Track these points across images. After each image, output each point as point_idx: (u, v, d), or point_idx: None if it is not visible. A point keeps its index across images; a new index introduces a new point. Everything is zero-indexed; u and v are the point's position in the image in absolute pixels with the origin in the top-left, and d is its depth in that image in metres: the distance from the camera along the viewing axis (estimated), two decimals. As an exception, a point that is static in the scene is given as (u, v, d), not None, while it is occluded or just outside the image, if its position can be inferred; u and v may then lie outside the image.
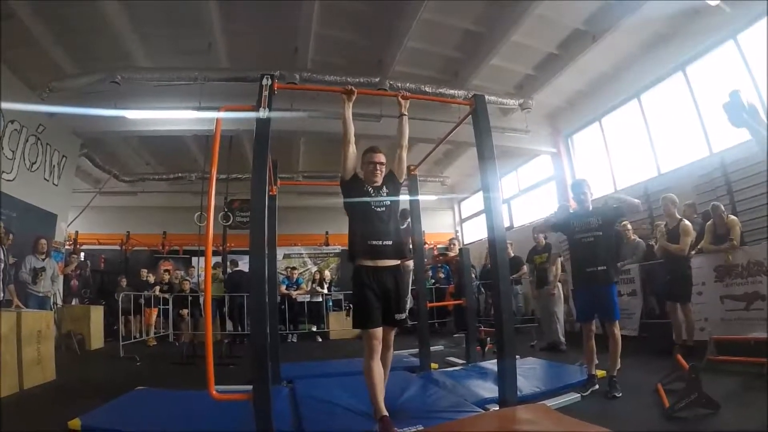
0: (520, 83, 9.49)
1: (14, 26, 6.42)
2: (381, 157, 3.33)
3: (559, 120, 11.04)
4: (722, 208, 5.68)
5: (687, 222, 5.59)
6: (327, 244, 15.06)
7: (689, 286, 5.45)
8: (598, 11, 7.25)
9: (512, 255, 8.99)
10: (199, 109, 7.86)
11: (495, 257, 3.47)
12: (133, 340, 8.37)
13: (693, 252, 5.80)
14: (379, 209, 3.17)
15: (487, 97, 8.74)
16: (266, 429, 2.75)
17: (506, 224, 10.51)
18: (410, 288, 7.45)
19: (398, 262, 3.24)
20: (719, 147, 7.32)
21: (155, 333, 9.32)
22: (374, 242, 3.08)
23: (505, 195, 13.41)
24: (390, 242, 3.13)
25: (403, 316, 3.15)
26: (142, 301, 9.02)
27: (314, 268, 13.41)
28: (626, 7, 6.91)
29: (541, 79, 9.08)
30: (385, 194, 3.25)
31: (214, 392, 2.93)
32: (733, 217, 5.62)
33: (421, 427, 2.85)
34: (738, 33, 6.88)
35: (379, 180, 3.30)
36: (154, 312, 9.37)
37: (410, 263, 7.04)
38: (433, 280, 10.83)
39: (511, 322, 3.39)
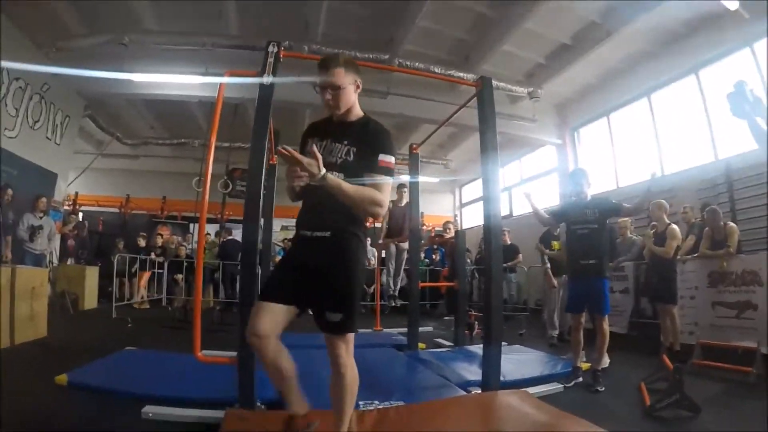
0: (530, 71, 9.39)
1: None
2: (334, 76, 2.08)
3: (567, 112, 10.96)
4: (720, 213, 5.65)
5: (674, 226, 5.60)
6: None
7: (675, 288, 5.49)
8: (616, 5, 7.12)
9: (509, 243, 9.06)
10: (205, 74, 7.80)
11: (489, 243, 3.47)
12: (126, 302, 8.44)
13: (687, 256, 5.80)
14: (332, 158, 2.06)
15: (495, 82, 8.64)
16: (248, 394, 2.81)
17: (506, 212, 10.49)
18: (402, 268, 7.52)
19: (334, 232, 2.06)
20: (725, 153, 7.30)
21: (149, 297, 9.36)
22: (309, 215, 2.14)
23: (507, 183, 13.40)
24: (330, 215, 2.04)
25: (338, 317, 2.00)
26: (137, 264, 9.07)
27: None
28: (644, 5, 6.80)
29: (552, 69, 8.99)
30: (346, 138, 2.10)
31: (200, 354, 2.97)
32: (732, 224, 5.58)
33: (402, 404, 2.88)
34: (755, 41, 6.77)
35: (341, 110, 2.13)
36: (146, 275, 9.38)
37: (405, 244, 7.06)
38: (427, 260, 10.86)
39: (500, 307, 3.40)
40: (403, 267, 7.55)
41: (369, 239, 11.50)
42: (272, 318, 2.00)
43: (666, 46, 8.13)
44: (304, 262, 2.07)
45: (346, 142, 2.08)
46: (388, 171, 2.05)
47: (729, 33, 7.05)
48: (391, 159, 2.07)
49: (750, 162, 6.47)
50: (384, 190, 2.01)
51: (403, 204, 6.99)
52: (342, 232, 2.06)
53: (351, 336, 2.07)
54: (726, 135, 7.22)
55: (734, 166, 7.00)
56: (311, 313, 2.11)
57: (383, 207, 2.01)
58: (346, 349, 2.07)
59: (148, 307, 9.03)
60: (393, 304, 7.76)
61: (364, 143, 2.07)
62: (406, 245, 7.00)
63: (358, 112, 2.19)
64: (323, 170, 1.86)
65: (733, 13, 6.64)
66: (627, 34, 7.57)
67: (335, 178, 1.92)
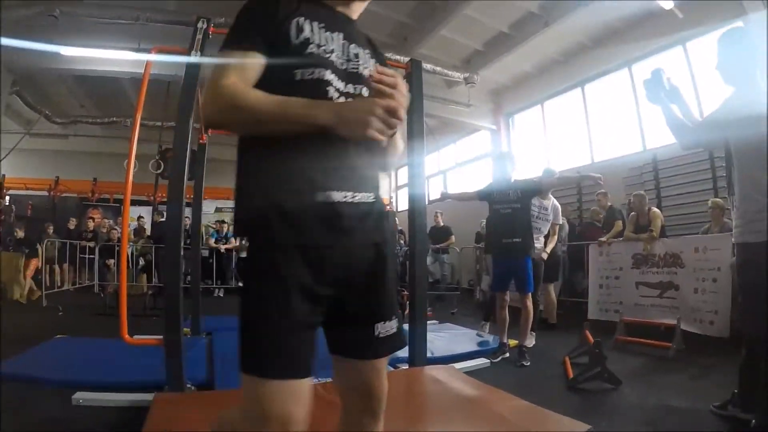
0: (467, 57, 9.52)
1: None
2: None
3: (502, 98, 11.21)
4: (646, 198, 5.95)
5: None
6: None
7: (549, 270, 5.75)
8: (555, -3, 7.33)
9: (441, 224, 9.32)
10: (137, 50, 7.47)
11: (414, 224, 3.54)
12: (56, 290, 8.09)
13: (614, 239, 6.11)
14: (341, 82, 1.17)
15: (432, 67, 8.64)
16: (177, 376, 2.79)
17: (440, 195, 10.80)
18: None
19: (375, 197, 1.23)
20: (653, 144, 7.66)
21: (80, 283, 8.97)
22: (339, 162, 1.13)
23: (443, 166, 13.76)
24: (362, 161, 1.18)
25: (394, 326, 1.23)
26: (41, 248, 8.48)
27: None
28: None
29: (489, 56, 9.15)
30: (368, 45, 1.30)
31: (127, 337, 2.93)
32: (655, 209, 5.88)
33: (330, 380, 2.91)
34: (688, 40, 7.13)
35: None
36: (34, 263, 8.37)
37: None
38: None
39: (424, 285, 3.47)
40: None
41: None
42: (306, 399, 1.08)
43: (601, 40, 8.45)
44: (343, 254, 1.15)
45: (368, 52, 1.27)
46: None
47: (663, 31, 7.37)
48: None
49: (675, 153, 6.84)
50: None
51: None
52: (379, 192, 1.26)
53: None
54: (654, 127, 7.52)
55: (661, 157, 7.37)
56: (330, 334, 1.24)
57: None
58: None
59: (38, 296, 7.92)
60: None
61: (380, 58, 1.33)
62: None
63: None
64: None
65: (668, 13, 6.95)
66: (564, 27, 7.78)
67: None
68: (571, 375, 3.55)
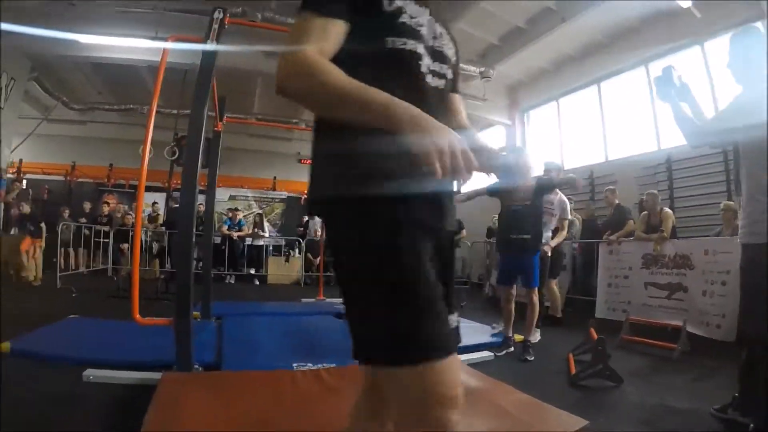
0: (483, 51, 9.50)
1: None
2: None
3: (518, 94, 11.17)
4: (659, 197, 5.87)
5: None
6: (274, 189, 14.91)
7: (552, 265, 5.65)
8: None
9: (453, 218, 9.35)
10: (155, 38, 7.55)
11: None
12: (70, 272, 8.21)
13: (624, 239, 6.08)
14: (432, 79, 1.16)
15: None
16: (185, 357, 2.85)
17: (453, 189, 10.81)
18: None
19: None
20: (668, 144, 7.59)
21: (94, 266, 9.13)
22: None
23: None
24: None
25: (455, 321, 1.18)
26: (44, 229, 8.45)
27: (259, 212, 13.22)
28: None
29: (505, 51, 9.11)
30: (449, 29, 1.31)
31: (138, 317, 3.00)
32: (667, 210, 5.82)
33: (334, 365, 2.98)
34: (706, 40, 7.04)
35: None
36: (27, 243, 7.95)
37: None
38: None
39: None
40: None
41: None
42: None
43: (618, 37, 8.37)
44: (438, 235, 1.14)
45: (450, 37, 1.28)
46: None
47: (680, 30, 7.28)
48: None
49: (690, 153, 6.78)
50: None
51: None
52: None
53: None
54: (670, 126, 7.46)
55: (675, 157, 7.30)
56: None
57: None
58: None
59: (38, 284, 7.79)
60: None
61: (456, 44, 1.32)
62: None
63: None
64: None
65: (686, 12, 6.88)
66: (581, 23, 7.72)
67: None
68: (573, 371, 3.55)
